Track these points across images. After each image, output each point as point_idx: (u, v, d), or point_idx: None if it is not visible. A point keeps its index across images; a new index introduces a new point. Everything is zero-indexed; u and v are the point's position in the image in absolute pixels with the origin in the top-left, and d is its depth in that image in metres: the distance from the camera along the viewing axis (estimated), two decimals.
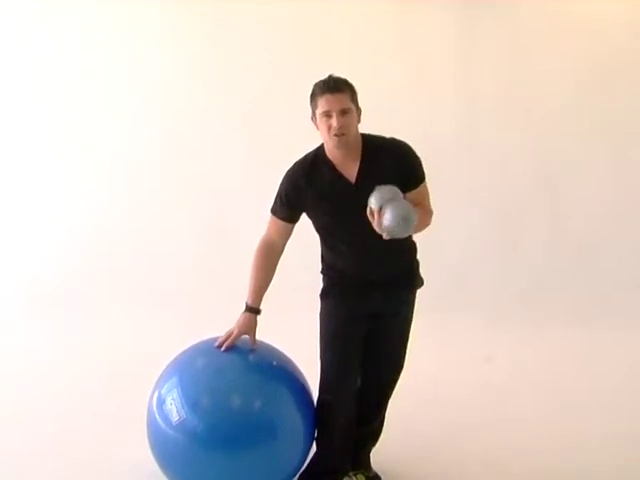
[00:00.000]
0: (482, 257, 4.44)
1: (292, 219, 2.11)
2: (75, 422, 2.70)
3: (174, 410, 1.93)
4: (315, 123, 2.01)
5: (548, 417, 2.83)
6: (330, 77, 1.99)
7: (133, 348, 3.56)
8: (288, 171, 2.09)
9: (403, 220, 1.77)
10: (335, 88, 1.94)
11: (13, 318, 4.06)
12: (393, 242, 1.85)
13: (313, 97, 2.00)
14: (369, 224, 1.83)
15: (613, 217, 4.42)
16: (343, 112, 1.92)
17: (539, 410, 2.91)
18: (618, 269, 4.33)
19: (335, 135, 1.92)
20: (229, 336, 2.05)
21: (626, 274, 4.30)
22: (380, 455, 2.28)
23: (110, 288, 4.39)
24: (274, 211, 2.11)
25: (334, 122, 1.91)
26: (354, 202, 1.91)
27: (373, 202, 1.81)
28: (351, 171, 2.00)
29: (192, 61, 4.70)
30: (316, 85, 2.00)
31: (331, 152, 2.01)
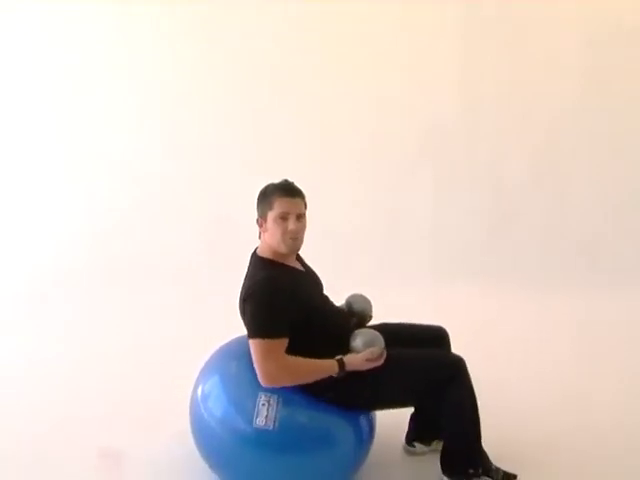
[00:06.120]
0: (480, 227, 4.59)
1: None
2: (75, 421, 2.69)
3: (264, 414, 1.88)
4: (262, 225, 2.01)
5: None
6: (286, 181, 2.02)
7: (133, 348, 3.55)
8: (273, 286, 1.91)
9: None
10: (294, 192, 1.99)
11: (13, 318, 4.05)
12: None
13: (266, 198, 1.99)
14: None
15: (612, 199, 4.49)
16: (299, 217, 1.98)
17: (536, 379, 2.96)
18: (617, 249, 4.43)
19: (290, 238, 1.96)
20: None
21: (623, 252, 4.42)
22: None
23: (110, 288, 4.38)
24: (277, 333, 1.87)
25: (291, 225, 1.95)
26: (315, 285, 2.13)
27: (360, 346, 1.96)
28: (296, 264, 2.11)
29: (192, 61, 4.72)
30: (271, 187, 2.01)
31: (276, 255, 2.01)
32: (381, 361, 1.95)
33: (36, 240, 4.74)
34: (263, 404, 1.88)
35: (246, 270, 2.05)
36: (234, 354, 2.09)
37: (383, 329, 2.12)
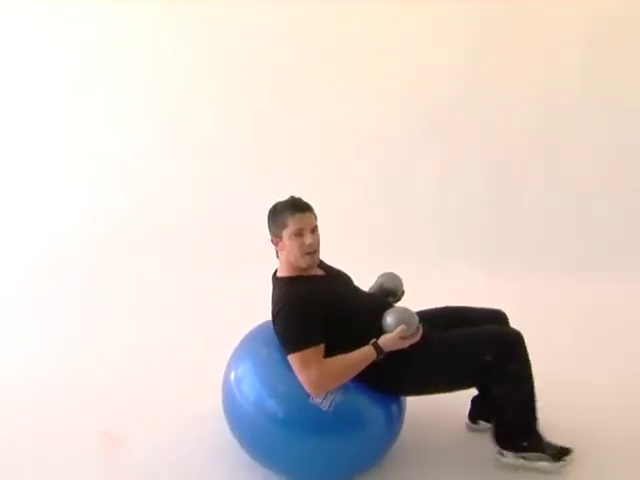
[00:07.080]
0: (481, 209, 4.58)
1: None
2: (75, 421, 2.70)
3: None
4: (278, 244, 2.04)
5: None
6: (294, 198, 2.05)
7: (133, 347, 3.55)
8: (295, 300, 1.96)
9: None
10: (304, 207, 2.02)
11: (13, 318, 4.05)
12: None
13: (277, 217, 2.02)
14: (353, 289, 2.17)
15: (609, 167, 4.50)
16: (313, 230, 2.02)
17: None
18: (615, 219, 4.44)
19: (307, 253, 1.99)
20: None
21: (621, 222, 4.42)
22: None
23: (110, 288, 4.38)
24: (310, 342, 1.89)
25: (308, 239, 1.99)
26: (342, 284, 2.15)
27: (392, 325, 1.95)
28: (316, 271, 2.12)
29: (192, 61, 4.72)
30: (281, 206, 2.03)
31: (296, 270, 2.05)
32: (418, 337, 1.95)
33: (36, 240, 4.74)
34: None
35: (271, 294, 2.07)
36: (262, 340, 2.12)
37: (441, 313, 2.19)
